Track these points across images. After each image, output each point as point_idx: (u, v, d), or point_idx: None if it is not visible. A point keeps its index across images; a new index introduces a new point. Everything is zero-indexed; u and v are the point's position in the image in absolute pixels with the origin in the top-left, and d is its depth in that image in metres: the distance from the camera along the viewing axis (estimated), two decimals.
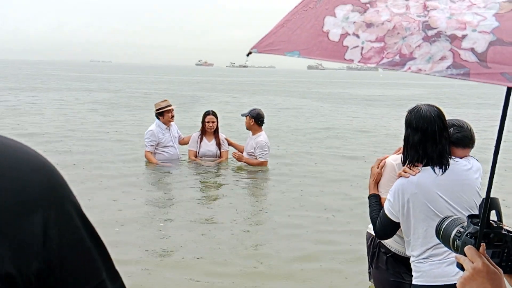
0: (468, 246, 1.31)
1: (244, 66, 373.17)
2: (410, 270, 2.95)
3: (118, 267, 0.75)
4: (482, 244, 1.31)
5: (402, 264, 3.12)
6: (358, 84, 60.42)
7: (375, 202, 2.95)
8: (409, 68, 1.16)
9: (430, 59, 1.16)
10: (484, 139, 9.16)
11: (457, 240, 1.42)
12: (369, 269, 3.41)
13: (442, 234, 1.49)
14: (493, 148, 1.31)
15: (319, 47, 1.29)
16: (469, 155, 2.85)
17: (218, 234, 5.44)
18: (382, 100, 28.75)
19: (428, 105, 2.77)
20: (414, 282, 2.78)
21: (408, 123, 2.74)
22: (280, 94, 32.64)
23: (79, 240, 0.70)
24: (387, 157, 3.11)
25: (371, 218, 2.93)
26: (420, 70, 1.16)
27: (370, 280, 3.45)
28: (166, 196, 6.97)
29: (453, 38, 1.16)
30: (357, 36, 1.26)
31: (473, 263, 1.25)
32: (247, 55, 1.45)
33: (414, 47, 1.18)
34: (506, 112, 1.31)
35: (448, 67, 1.13)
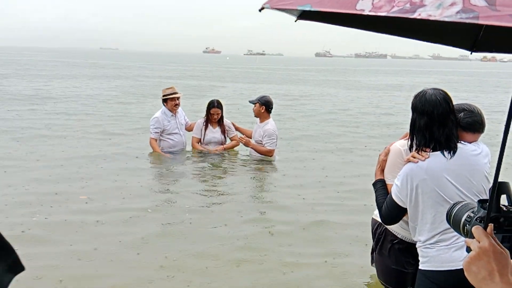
0: (475, 226, 1.29)
1: (262, 54, 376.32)
2: (414, 258, 2.93)
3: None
4: (490, 224, 1.29)
5: (407, 252, 3.11)
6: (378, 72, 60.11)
7: (381, 187, 2.94)
8: (419, 15, 1.16)
9: (440, 5, 1.15)
10: (493, 123, 9.08)
11: (467, 225, 1.41)
12: (371, 254, 3.42)
13: (453, 220, 1.48)
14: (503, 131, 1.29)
15: (331, 0, 1.30)
16: (478, 140, 2.82)
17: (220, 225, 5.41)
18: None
19: (434, 89, 2.74)
20: (421, 267, 2.75)
21: (414, 108, 2.72)
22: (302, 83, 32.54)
23: None
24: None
25: (377, 203, 2.91)
26: (430, 16, 1.15)
27: (372, 264, 3.46)
28: (166, 185, 6.95)
29: None
30: None
31: (479, 242, 1.23)
32: (260, 11, 1.47)
33: None
34: None
35: (458, 12, 1.13)
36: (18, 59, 64.28)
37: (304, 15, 1.67)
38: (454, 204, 1.51)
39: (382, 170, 3.01)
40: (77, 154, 8.40)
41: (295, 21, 1.59)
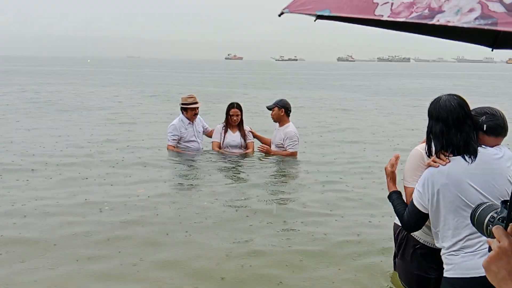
0: (496, 226, 1.30)
1: (294, 59, 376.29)
2: (437, 263, 2.92)
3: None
4: (510, 224, 1.29)
5: (429, 257, 3.09)
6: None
7: (397, 197, 2.97)
8: (438, 21, 1.19)
9: (459, 11, 1.17)
10: None
11: (490, 226, 1.42)
12: (394, 259, 3.39)
13: (477, 220, 1.50)
14: None
15: (350, 5, 1.34)
16: (500, 144, 2.79)
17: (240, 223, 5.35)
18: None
19: (449, 94, 2.78)
20: (445, 274, 2.73)
21: (430, 114, 2.76)
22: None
23: None
24: (399, 156, 3.10)
25: (396, 213, 2.93)
26: (448, 22, 1.17)
27: (395, 270, 3.43)
28: (187, 183, 6.96)
29: None
30: None
31: (499, 242, 1.23)
32: (279, 15, 1.52)
33: (443, 0, 1.21)
34: None
35: (476, 18, 1.14)
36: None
37: (323, 16, 1.69)
38: (478, 205, 1.52)
39: (394, 182, 3.04)
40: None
41: (314, 20, 1.64)
